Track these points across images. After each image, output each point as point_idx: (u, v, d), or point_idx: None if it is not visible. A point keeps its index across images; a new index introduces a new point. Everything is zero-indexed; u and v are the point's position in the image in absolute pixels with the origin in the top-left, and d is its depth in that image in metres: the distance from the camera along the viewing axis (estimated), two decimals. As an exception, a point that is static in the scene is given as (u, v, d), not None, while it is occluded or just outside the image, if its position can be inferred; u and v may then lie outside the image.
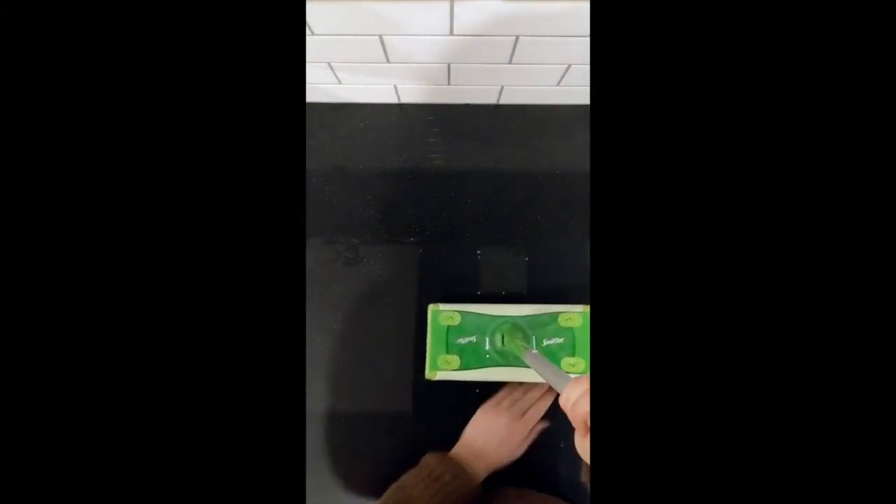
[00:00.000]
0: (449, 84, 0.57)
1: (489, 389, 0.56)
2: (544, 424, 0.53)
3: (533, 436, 0.52)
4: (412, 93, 0.60)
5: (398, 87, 0.59)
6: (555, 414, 0.56)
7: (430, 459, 0.48)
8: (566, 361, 0.52)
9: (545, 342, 0.52)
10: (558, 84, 0.56)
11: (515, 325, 0.53)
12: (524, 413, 0.51)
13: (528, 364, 0.47)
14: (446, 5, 0.41)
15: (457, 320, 0.54)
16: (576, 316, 0.53)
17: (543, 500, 0.47)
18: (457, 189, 0.60)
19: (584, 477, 0.43)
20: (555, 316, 0.53)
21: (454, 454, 0.49)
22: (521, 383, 0.54)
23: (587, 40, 0.46)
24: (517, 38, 0.46)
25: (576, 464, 0.55)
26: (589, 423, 0.30)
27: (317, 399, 0.57)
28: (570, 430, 0.32)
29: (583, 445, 0.31)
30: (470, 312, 0.54)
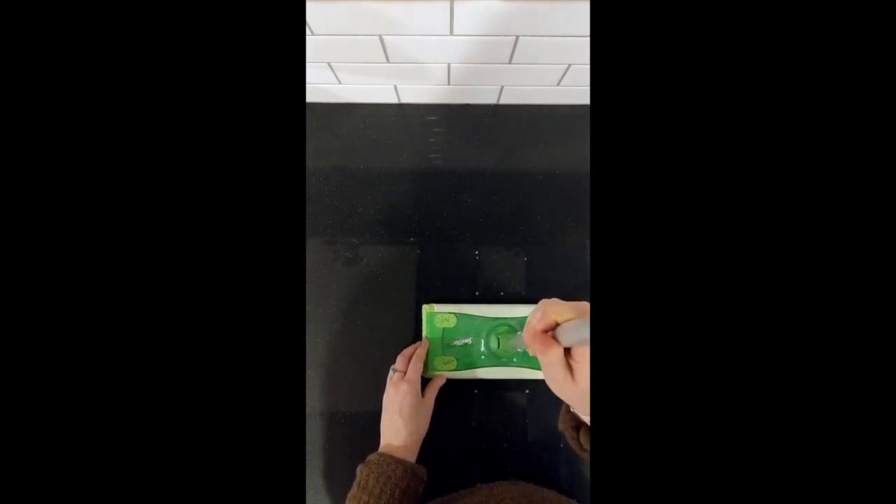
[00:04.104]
0: (449, 84, 0.57)
1: (488, 389, 0.56)
2: (442, 379, 0.54)
3: (434, 389, 0.53)
4: (412, 93, 0.60)
5: (398, 87, 0.59)
6: (553, 416, 0.57)
7: (376, 461, 0.47)
8: None
9: None
10: (558, 84, 0.57)
11: (509, 328, 0.55)
12: (405, 374, 0.52)
13: (522, 347, 0.50)
14: (446, 5, 0.41)
15: (452, 322, 0.54)
16: None
17: (543, 494, 0.47)
18: (457, 189, 0.60)
19: (564, 429, 0.41)
20: None
21: (388, 453, 0.48)
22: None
23: (587, 40, 0.46)
24: (517, 38, 0.46)
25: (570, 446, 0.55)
26: (540, 333, 0.33)
27: (316, 398, 0.57)
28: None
29: (548, 373, 0.32)
30: (464, 314, 0.54)
